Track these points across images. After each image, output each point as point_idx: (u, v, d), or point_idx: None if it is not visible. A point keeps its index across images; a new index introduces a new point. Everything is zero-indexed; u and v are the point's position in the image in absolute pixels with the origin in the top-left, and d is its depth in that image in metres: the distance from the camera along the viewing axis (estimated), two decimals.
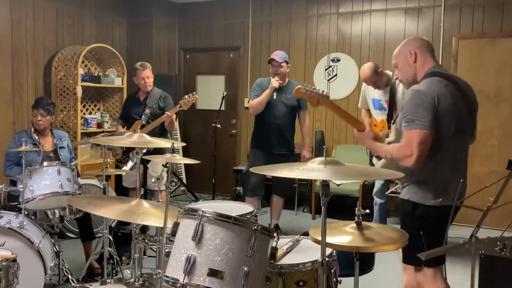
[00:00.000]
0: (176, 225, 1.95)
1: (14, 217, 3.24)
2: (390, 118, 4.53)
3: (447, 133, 2.32)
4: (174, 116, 4.53)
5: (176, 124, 7.04)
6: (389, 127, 4.47)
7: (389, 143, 2.59)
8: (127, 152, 4.64)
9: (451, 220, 2.36)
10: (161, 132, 4.66)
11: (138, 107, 4.79)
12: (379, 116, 4.67)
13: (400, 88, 4.42)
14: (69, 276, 3.57)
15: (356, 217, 2.11)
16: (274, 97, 4.53)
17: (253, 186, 4.68)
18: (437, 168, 2.35)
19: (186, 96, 4.52)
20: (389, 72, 4.58)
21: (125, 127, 4.87)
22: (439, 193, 2.34)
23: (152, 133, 4.35)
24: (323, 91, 2.52)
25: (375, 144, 2.55)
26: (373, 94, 4.68)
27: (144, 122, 4.66)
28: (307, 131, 4.74)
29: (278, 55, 4.57)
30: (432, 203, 2.34)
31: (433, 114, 2.27)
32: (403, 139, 2.35)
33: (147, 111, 4.72)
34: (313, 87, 2.52)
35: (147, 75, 4.74)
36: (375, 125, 4.68)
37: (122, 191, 5.03)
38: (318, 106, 2.54)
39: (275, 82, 4.47)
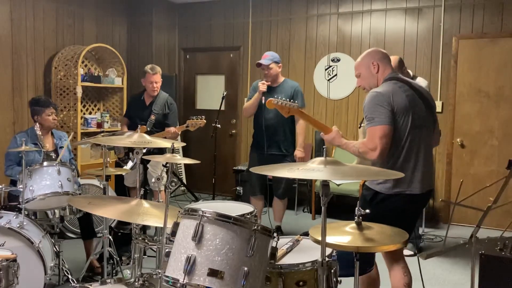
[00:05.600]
0: (176, 225, 1.95)
1: (14, 217, 3.24)
2: None
3: (405, 127, 2.58)
4: (179, 133, 4.55)
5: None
6: None
7: None
8: (130, 151, 4.63)
9: (418, 212, 2.73)
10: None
11: (142, 110, 4.73)
12: None
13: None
14: (69, 276, 3.57)
15: (356, 217, 2.11)
16: (262, 100, 4.50)
17: (253, 186, 4.76)
18: (397, 160, 2.60)
19: (194, 118, 4.51)
20: (409, 71, 4.53)
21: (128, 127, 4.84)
22: (397, 183, 2.58)
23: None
24: (291, 101, 2.92)
25: (345, 141, 2.75)
26: None
27: (148, 129, 4.61)
28: (300, 130, 4.63)
29: (266, 57, 4.55)
30: (391, 192, 2.58)
31: (390, 110, 2.54)
32: (366, 136, 2.60)
33: (152, 117, 4.67)
34: (283, 99, 2.91)
35: (156, 80, 4.67)
36: None
37: (122, 191, 5.03)
38: (289, 115, 2.94)
39: (261, 86, 4.51)
